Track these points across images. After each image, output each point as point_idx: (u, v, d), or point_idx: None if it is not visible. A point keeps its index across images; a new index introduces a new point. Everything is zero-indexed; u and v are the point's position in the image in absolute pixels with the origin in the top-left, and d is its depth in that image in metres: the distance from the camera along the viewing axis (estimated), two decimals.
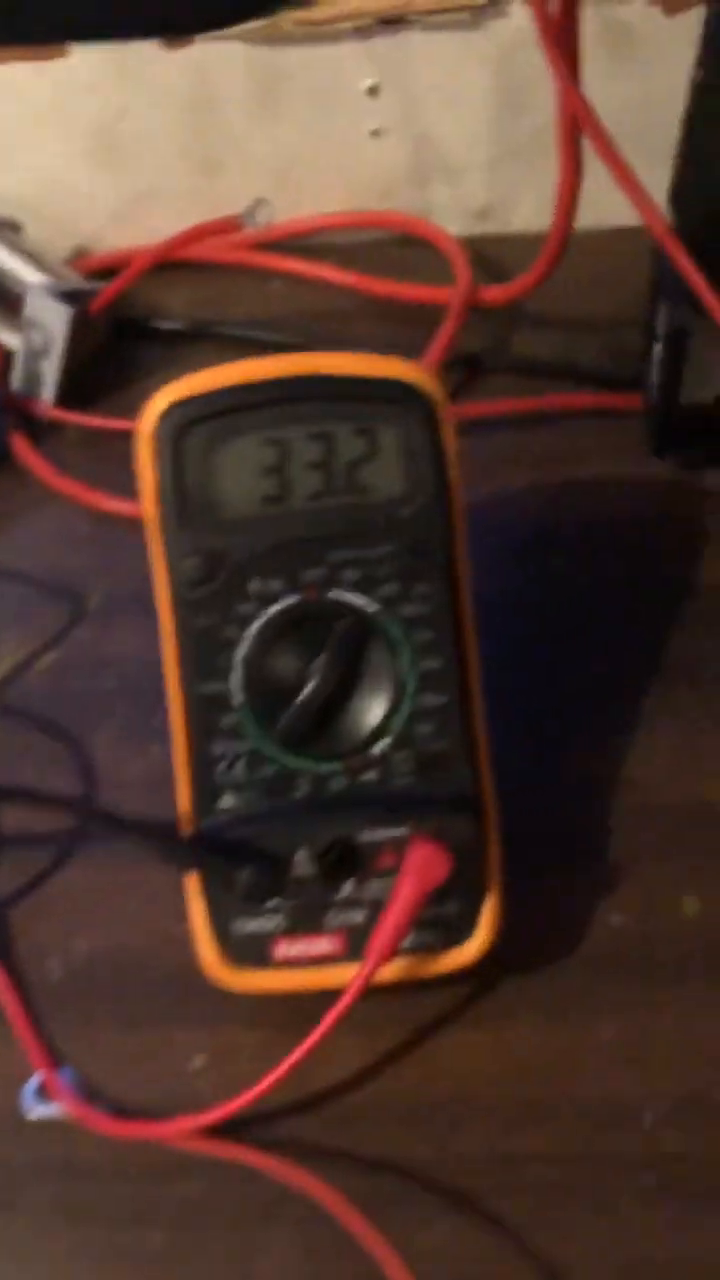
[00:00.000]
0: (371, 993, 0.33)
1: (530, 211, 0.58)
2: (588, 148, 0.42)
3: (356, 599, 0.33)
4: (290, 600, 0.33)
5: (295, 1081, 0.33)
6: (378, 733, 0.33)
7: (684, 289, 0.42)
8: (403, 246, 0.58)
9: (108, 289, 0.51)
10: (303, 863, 0.33)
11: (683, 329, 0.43)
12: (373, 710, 0.33)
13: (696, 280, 0.40)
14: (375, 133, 0.56)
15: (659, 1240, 0.32)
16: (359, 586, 0.33)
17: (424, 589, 0.33)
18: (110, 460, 0.34)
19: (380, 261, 0.57)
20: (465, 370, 0.52)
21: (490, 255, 0.57)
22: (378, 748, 0.33)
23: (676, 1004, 0.35)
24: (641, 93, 0.53)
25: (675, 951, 0.36)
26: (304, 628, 0.33)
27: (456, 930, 0.34)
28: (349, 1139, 0.34)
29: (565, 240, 0.45)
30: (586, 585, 0.45)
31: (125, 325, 0.56)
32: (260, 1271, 0.32)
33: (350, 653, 0.33)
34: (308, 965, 0.34)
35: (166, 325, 0.56)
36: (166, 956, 0.36)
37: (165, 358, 0.55)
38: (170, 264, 0.58)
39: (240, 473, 0.33)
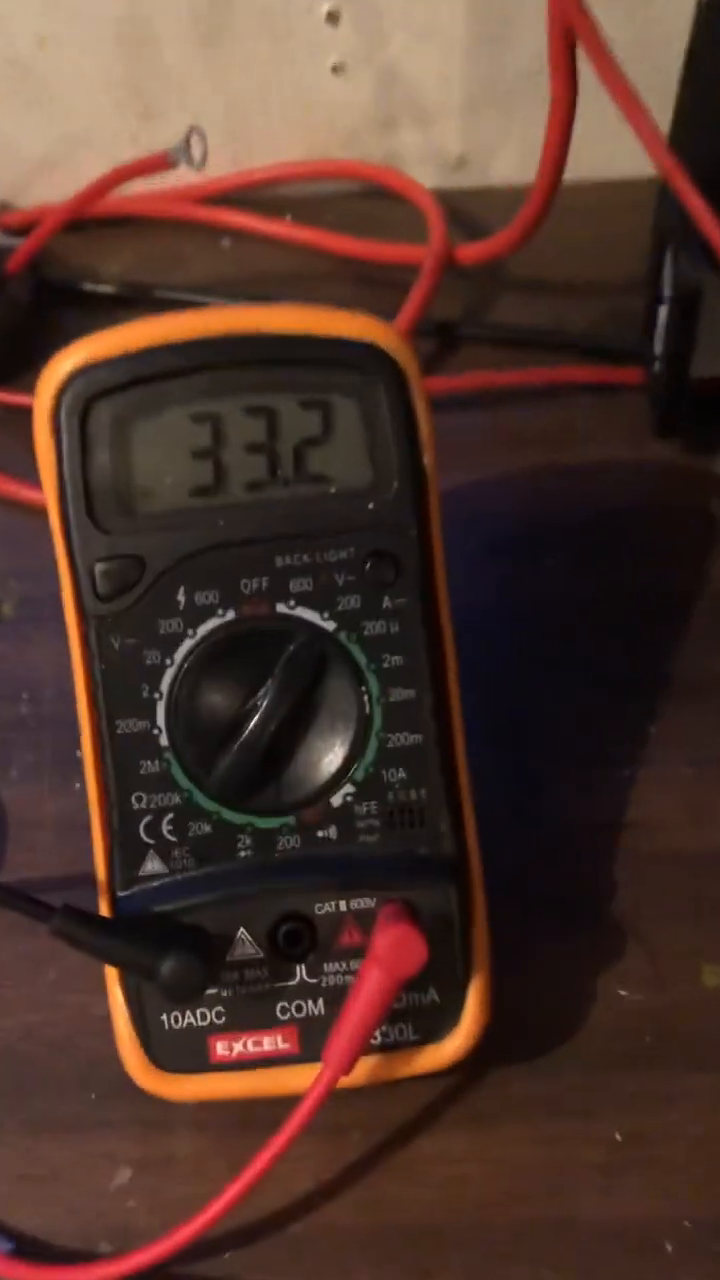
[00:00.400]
0: (335, 1092, 0.27)
1: (513, 161, 0.52)
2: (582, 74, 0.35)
3: (309, 615, 0.27)
4: (227, 617, 0.27)
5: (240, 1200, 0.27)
6: (337, 780, 0.27)
7: (697, 240, 0.35)
8: (369, 200, 0.52)
9: (23, 247, 0.44)
10: (245, 942, 0.27)
11: (695, 288, 0.36)
12: (330, 753, 0.27)
13: (713, 227, 0.34)
14: (336, 68, 0.49)
15: None
16: (312, 600, 0.27)
17: (393, 602, 0.27)
18: (32, 444, 0.27)
19: (344, 216, 0.51)
20: (439, 339, 0.46)
21: (468, 210, 0.51)
22: (337, 799, 0.27)
23: (700, 1096, 0.30)
24: (638, 19, 0.47)
25: (696, 1032, 0.31)
26: (244, 651, 0.27)
27: (436, 1023, 0.28)
28: (306, 1272, 0.28)
29: (555, 186, 0.38)
30: (580, 590, 0.40)
31: (52, 289, 0.49)
32: None
33: (302, 682, 0.27)
34: (254, 1067, 0.28)
35: (99, 289, 0.49)
36: (84, 1044, 0.31)
37: (98, 326, 0.48)
38: (108, 221, 0.52)
39: (162, 457, 0.27)
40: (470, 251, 0.44)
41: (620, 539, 0.41)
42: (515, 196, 0.42)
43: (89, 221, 0.50)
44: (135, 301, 0.49)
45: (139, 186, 0.49)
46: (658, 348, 0.40)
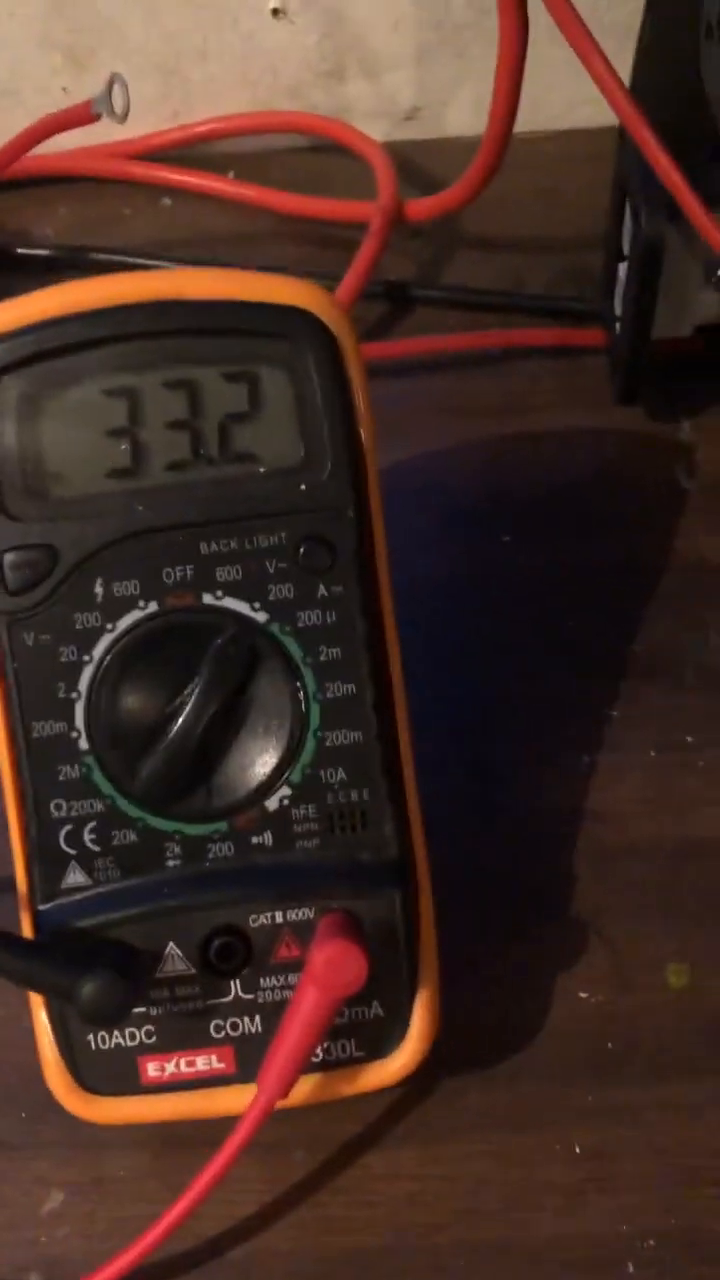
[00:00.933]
0: (278, 1111, 0.25)
1: (468, 111, 0.49)
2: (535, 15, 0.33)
3: (238, 606, 0.25)
4: (149, 609, 0.25)
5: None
6: (272, 783, 0.25)
7: (657, 191, 0.33)
8: (317, 154, 0.49)
9: None
10: (175, 958, 0.25)
11: (656, 242, 0.34)
12: (264, 753, 0.25)
13: (673, 177, 0.32)
14: (277, 11, 0.46)
15: None
16: (241, 589, 0.25)
17: (328, 590, 0.25)
18: None
19: (291, 172, 0.49)
20: (390, 301, 0.44)
21: (422, 164, 0.49)
22: (273, 802, 0.25)
23: (663, 1108, 0.28)
24: None
25: (660, 1037, 0.29)
26: (169, 646, 0.25)
27: (381, 1038, 0.26)
28: None
29: (506, 137, 0.36)
30: (540, 566, 0.38)
31: None
32: None
33: (232, 678, 0.25)
34: (188, 1088, 0.26)
35: (34, 252, 0.46)
36: (13, 1058, 0.29)
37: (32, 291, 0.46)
38: (41, 180, 0.49)
39: (75, 436, 0.24)
40: (421, 207, 0.42)
41: (581, 511, 0.39)
42: (471, 148, 0.40)
43: (20, 181, 0.48)
44: (72, 264, 0.46)
45: (74, 143, 0.47)
46: (618, 308, 0.38)
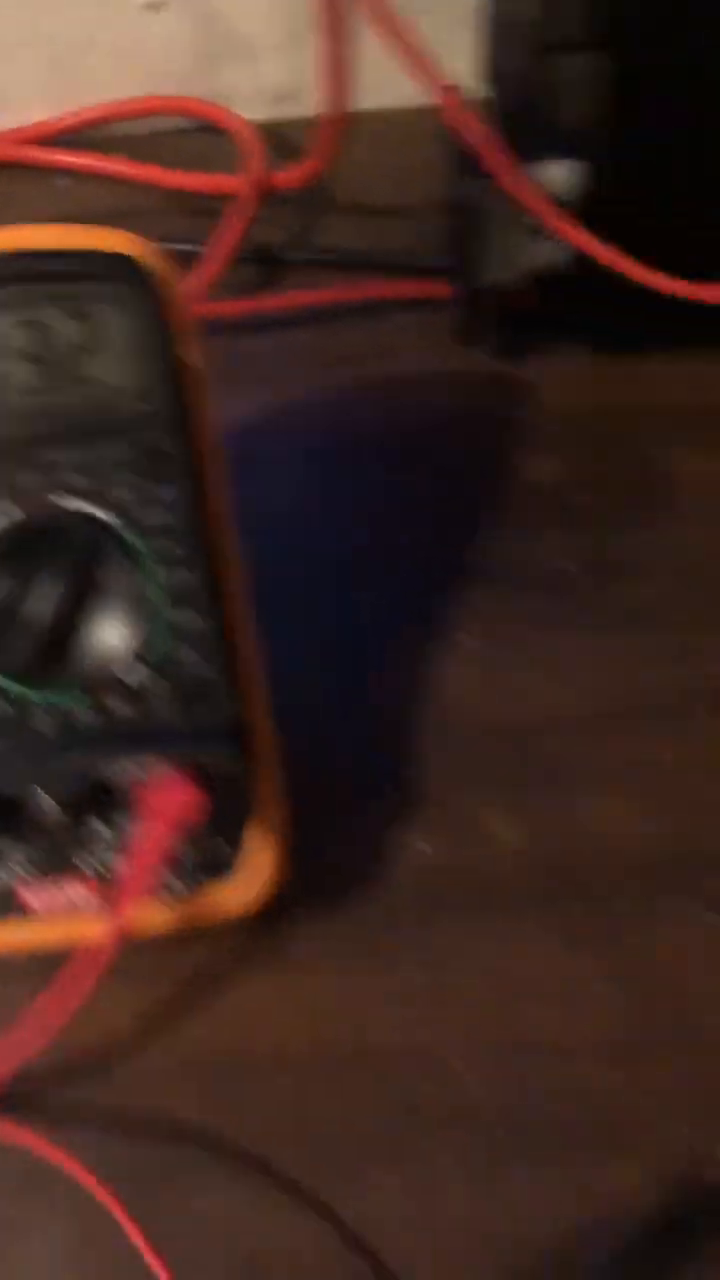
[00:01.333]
0: (149, 943, 0.30)
1: None
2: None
3: (84, 506, 0.29)
4: (10, 512, 0.29)
5: (57, 1041, 0.29)
6: (124, 658, 0.30)
7: (474, 157, 0.38)
8: (199, 135, 0.53)
9: None
10: (44, 804, 0.29)
11: (474, 199, 0.39)
12: (117, 633, 0.29)
13: (480, 140, 0.36)
14: (151, 6, 0.51)
15: (468, 1199, 0.29)
16: (88, 493, 0.29)
17: (165, 494, 0.29)
18: None
19: (176, 153, 0.53)
20: (264, 265, 0.48)
21: (295, 142, 0.52)
22: (128, 676, 0.30)
23: (487, 938, 0.33)
24: None
25: (486, 881, 0.34)
26: (26, 542, 0.29)
27: (230, 872, 0.31)
28: (120, 1103, 0.31)
29: (345, 117, 0.41)
30: (393, 491, 0.42)
31: None
32: (17, 1255, 0.29)
33: (80, 566, 0.29)
34: (61, 916, 0.30)
35: None
36: None
37: None
38: None
39: None
40: (285, 177, 0.46)
41: (432, 443, 0.43)
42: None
43: None
44: None
45: None
46: (454, 260, 0.43)
